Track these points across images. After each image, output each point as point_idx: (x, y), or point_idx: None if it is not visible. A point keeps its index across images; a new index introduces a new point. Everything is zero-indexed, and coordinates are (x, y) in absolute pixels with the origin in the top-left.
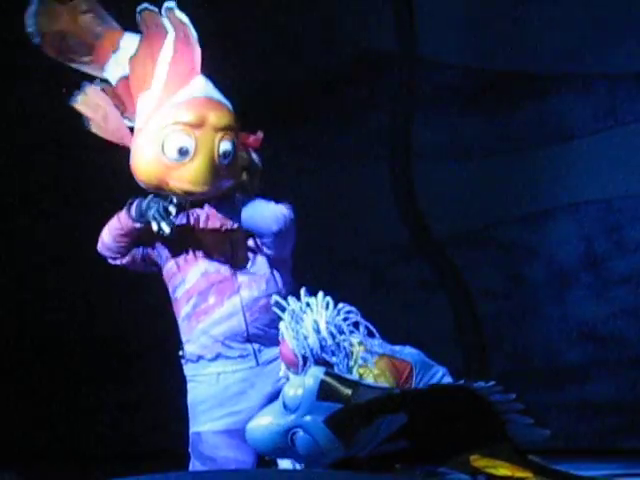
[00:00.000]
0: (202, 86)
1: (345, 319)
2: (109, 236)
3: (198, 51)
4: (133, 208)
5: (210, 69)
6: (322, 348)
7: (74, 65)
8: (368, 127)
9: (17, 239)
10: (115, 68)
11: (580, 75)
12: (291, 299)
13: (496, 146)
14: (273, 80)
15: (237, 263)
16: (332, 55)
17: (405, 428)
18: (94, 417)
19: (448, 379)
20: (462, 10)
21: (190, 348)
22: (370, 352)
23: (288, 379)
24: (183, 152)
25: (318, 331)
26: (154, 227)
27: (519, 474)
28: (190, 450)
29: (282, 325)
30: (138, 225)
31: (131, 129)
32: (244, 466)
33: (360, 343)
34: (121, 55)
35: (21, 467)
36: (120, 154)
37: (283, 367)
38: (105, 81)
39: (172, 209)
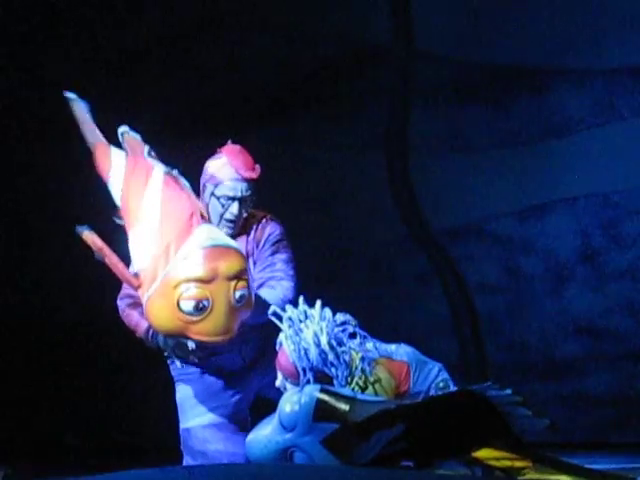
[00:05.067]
0: (207, 234)
1: (343, 330)
2: (127, 324)
3: (194, 198)
4: (150, 338)
5: (210, 63)
6: (322, 361)
7: None
8: (365, 120)
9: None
10: (115, 190)
11: (577, 69)
12: (289, 307)
13: (493, 140)
14: (271, 73)
15: None
16: (329, 48)
17: (404, 435)
18: (87, 412)
19: (444, 374)
20: (459, 3)
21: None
22: (366, 359)
23: (285, 389)
24: (200, 308)
25: (318, 344)
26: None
27: (518, 464)
28: (182, 447)
29: (282, 336)
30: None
31: None
32: (236, 458)
33: (358, 353)
34: (116, 174)
35: (16, 462)
36: None
37: (280, 377)
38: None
39: (191, 344)
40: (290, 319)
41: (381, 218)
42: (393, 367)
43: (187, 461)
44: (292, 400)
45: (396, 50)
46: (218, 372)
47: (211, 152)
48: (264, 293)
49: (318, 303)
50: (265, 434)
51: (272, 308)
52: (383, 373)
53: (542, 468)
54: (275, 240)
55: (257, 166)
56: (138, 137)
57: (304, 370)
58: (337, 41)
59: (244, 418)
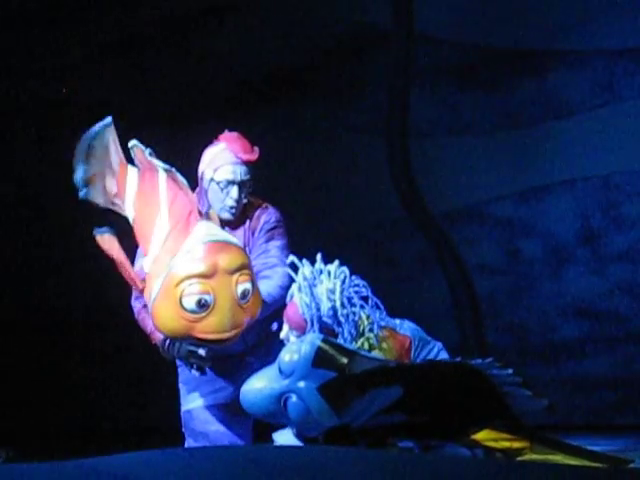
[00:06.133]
0: (205, 231)
1: (356, 292)
2: (142, 329)
3: (191, 195)
4: (167, 349)
5: (207, 48)
6: (332, 317)
7: (115, 209)
8: (365, 103)
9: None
10: (129, 208)
11: (578, 51)
12: (306, 263)
13: (493, 122)
14: (270, 57)
15: None
16: (329, 31)
17: (401, 401)
18: (89, 395)
19: (444, 354)
20: None
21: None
22: (374, 323)
23: (288, 341)
24: (202, 305)
25: (331, 299)
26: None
27: (517, 444)
28: (183, 428)
29: (294, 287)
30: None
31: None
32: (237, 440)
33: (368, 317)
34: (129, 192)
35: (19, 444)
36: None
37: (285, 328)
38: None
39: (202, 351)
40: (305, 275)
41: (381, 201)
42: (397, 339)
43: (189, 443)
44: (292, 349)
45: (396, 33)
46: (221, 355)
47: (209, 139)
48: (261, 286)
49: (336, 262)
50: (261, 382)
51: (290, 258)
52: (388, 342)
53: (541, 448)
54: (270, 227)
55: (255, 148)
56: (146, 150)
57: (312, 320)
58: (336, 24)
59: None
